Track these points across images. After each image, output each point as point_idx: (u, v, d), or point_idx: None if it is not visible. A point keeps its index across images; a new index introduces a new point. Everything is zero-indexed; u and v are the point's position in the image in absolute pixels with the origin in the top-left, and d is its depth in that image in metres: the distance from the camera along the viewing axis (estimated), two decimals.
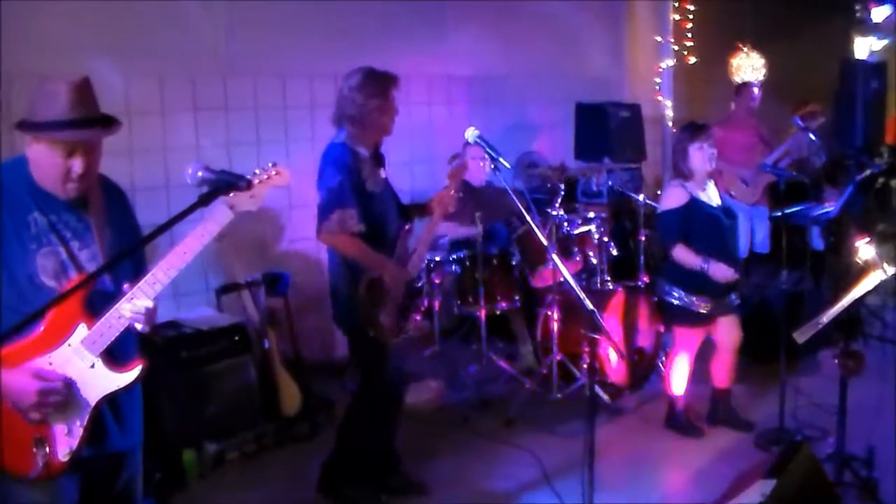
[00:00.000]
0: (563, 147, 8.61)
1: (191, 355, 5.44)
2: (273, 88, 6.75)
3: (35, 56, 5.25)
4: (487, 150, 4.20)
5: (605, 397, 6.10)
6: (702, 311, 5.52)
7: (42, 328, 2.85)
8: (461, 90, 8.07)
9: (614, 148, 8.23)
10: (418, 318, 6.34)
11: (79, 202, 3.00)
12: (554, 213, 6.25)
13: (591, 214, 6.67)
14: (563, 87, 8.79)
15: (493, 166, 4.40)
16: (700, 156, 5.44)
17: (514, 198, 4.26)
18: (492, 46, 8.09)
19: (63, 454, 2.90)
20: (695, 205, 5.47)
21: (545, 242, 4.21)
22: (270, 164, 3.08)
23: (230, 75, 6.47)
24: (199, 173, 2.84)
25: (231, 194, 2.90)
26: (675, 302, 5.59)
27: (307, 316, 6.60)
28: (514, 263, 6.52)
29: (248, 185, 2.83)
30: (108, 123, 2.97)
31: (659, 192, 8.82)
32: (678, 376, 5.73)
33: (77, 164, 2.88)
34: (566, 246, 6.38)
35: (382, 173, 4.67)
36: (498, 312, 6.54)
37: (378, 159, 4.68)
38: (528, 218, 4.07)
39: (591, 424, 3.73)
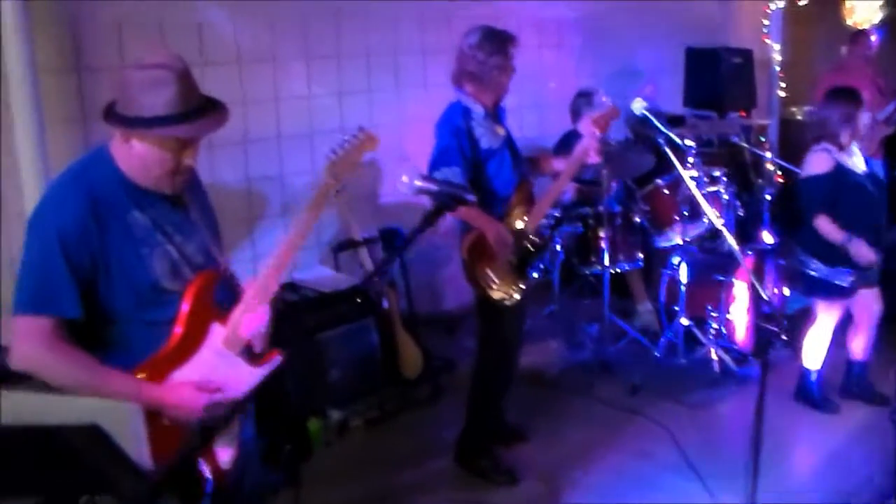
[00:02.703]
0: (671, 93, 8.28)
1: (314, 320, 5.28)
2: (384, 35, 6.50)
3: (148, 6, 5.16)
4: (657, 124, 4.01)
5: (731, 364, 5.89)
6: (843, 284, 5.23)
7: (178, 335, 2.64)
8: (570, 34, 7.73)
9: (725, 95, 7.94)
10: (535, 274, 6.26)
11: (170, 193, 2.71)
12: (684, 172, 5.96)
13: (717, 173, 6.33)
14: (671, 29, 8.40)
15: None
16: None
17: (670, 153, 4.13)
18: None
19: (226, 463, 2.72)
20: (841, 172, 5.14)
21: (709, 210, 4.04)
22: (358, 130, 2.86)
23: (342, 22, 6.23)
24: (417, 182, 2.61)
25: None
26: (814, 274, 5.30)
27: (417, 270, 6.42)
28: (637, 222, 6.26)
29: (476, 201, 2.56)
30: (219, 108, 2.66)
31: (762, 140, 8.51)
32: (815, 349, 5.47)
33: (190, 158, 2.61)
34: (692, 206, 6.08)
35: (501, 130, 4.65)
36: (619, 272, 6.30)
37: (497, 116, 4.67)
38: (685, 175, 3.92)
39: (759, 428, 3.46)
